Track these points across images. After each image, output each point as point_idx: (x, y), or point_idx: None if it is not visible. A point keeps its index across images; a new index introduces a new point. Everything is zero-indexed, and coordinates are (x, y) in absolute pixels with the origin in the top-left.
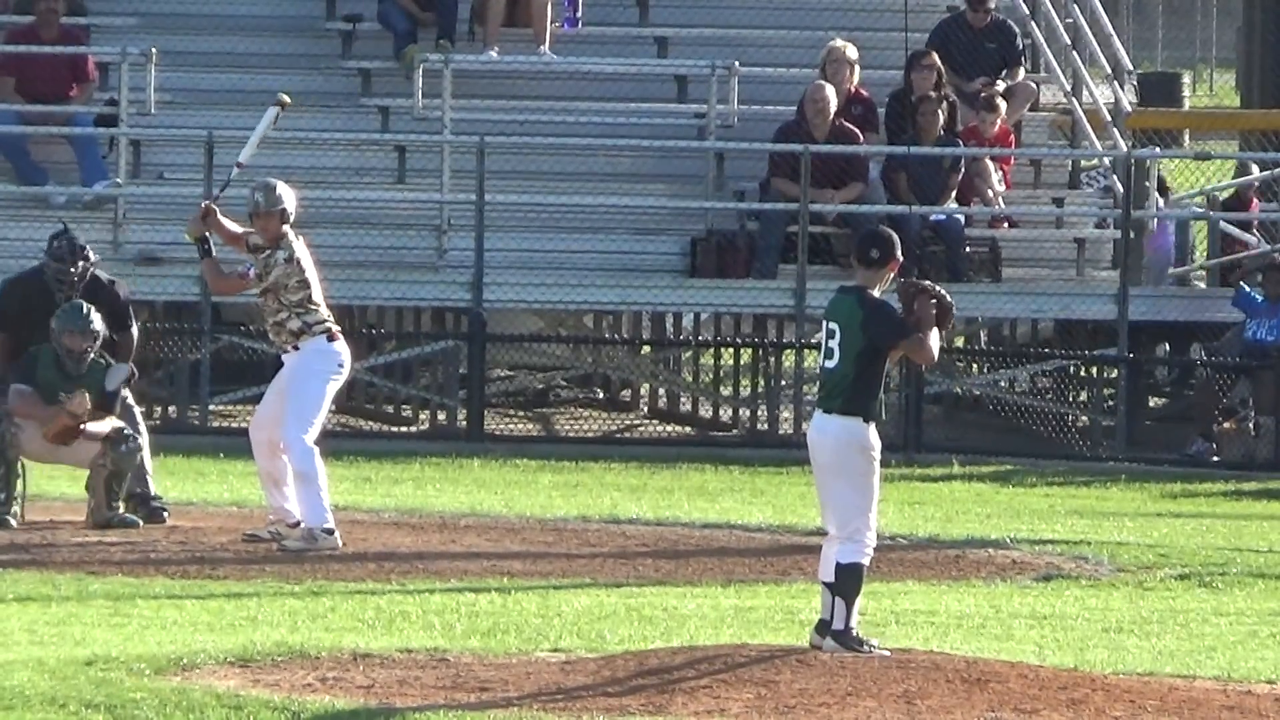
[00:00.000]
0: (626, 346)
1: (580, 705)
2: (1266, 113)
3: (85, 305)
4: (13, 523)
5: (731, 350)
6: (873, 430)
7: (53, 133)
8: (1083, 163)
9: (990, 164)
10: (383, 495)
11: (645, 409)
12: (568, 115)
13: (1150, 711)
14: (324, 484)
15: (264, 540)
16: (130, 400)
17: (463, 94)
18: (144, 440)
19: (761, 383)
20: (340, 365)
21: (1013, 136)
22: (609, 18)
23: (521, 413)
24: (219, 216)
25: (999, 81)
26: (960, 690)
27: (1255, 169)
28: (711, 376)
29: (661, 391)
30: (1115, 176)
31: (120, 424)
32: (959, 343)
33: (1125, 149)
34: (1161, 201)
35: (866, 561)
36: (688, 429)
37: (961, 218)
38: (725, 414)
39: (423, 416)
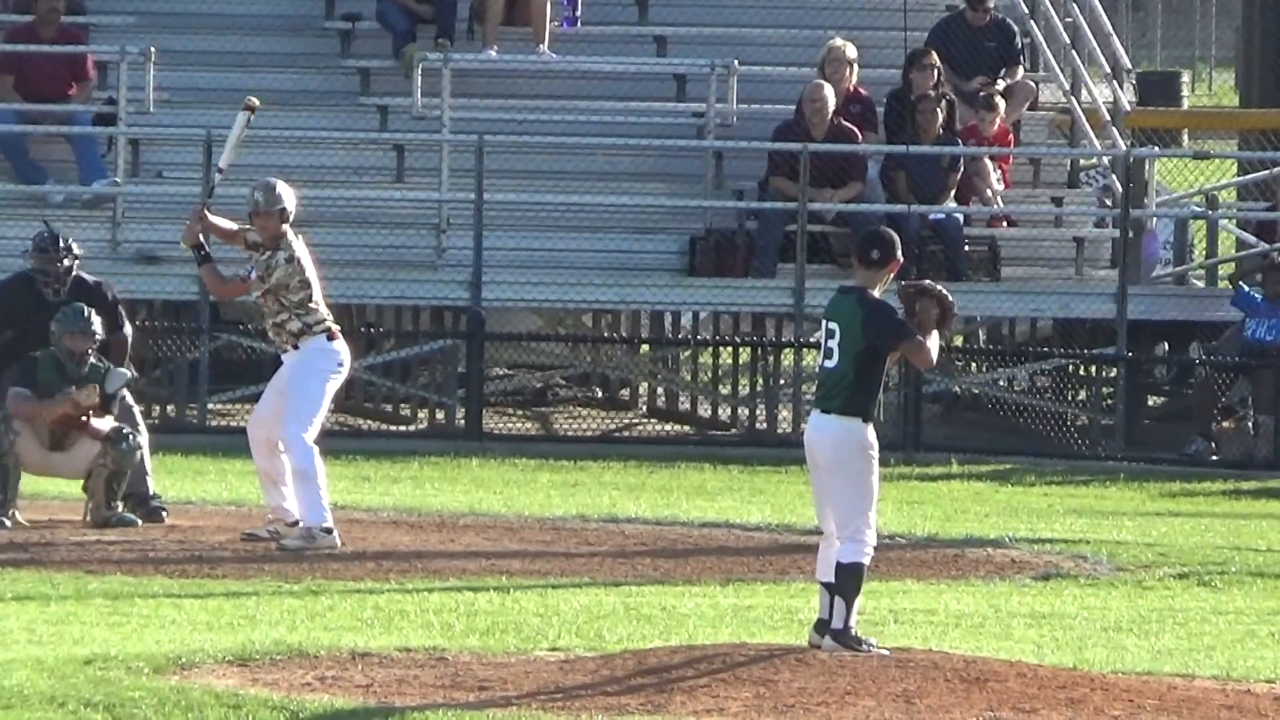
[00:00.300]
0: (625, 345)
1: (579, 704)
2: (1265, 112)
3: (85, 308)
4: (7, 524)
5: (730, 349)
6: (871, 430)
7: (51, 131)
8: (1081, 162)
9: (989, 163)
10: (381, 494)
11: (644, 408)
12: (567, 114)
13: (1149, 710)
14: (323, 483)
15: (263, 539)
16: (130, 400)
17: (462, 93)
18: (144, 439)
19: (760, 382)
20: (340, 364)
21: (1011, 136)
22: (608, 17)
23: (520, 412)
24: (212, 219)
25: (998, 81)
26: (959, 689)
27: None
28: (710, 375)
29: (660, 390)
30: (1114, 176)
31: (119, 424)
32: (958, 342)
33: (1124, 148)
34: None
35: (867, 561)
36: (686, 428)
37: (960, 217)
38: (724, 413)
39: (421, 415)
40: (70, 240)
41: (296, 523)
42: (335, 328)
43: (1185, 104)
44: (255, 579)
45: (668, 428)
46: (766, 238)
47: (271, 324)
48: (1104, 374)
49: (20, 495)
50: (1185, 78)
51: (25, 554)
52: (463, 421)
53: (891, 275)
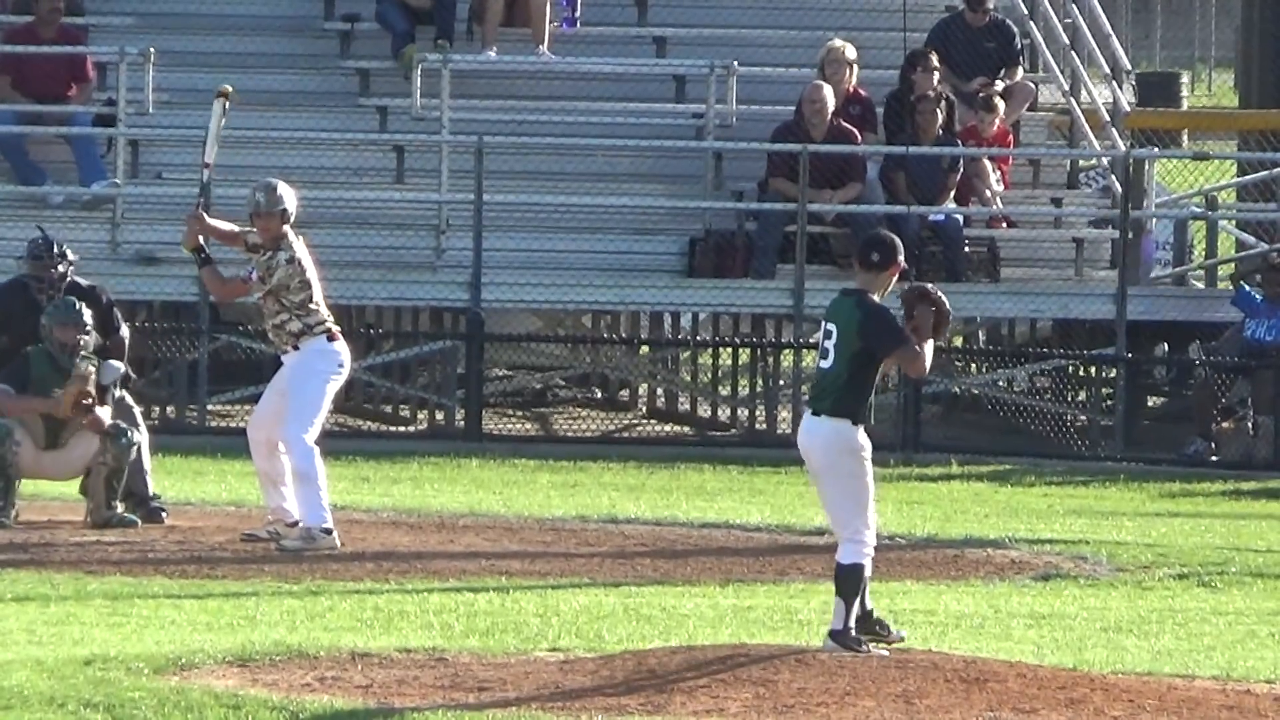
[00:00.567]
0: (625, 346)
1: (579, 705)
2: (1265, 112)
3: (73, 300)
4: (7, 523)
5: (730, 350)
6: (861, 432)
7: (51, 132)
8: (1080, 163)
9: (988, 164)
10: (381, 495)
11: (643, 409)
12: (566, 115)
13: (1149, 711)
14: (323, 484)
15: (262, 540)
16: (129, 400)
17: (461, 94)
18: (143, 439)
19: (760, 383)
20: (340, 365)
21: (1011, 136)
22: (607, 18)
23: (520, 412)
24: (209, 221)
25: (998, 81)
26: (959, 690)
27: None
28: (710, 376)
29: (660, 391)
30: (1114, 176)
31: (116, 421)
32: (957, 342)
33: (1124, 149)
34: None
35: (867, 562)
36: (686, 429)
37: (960, 218)
38: (723, 414)
39: (421, 416)
40: (64, 246)
41: (296, 523)
42: (336, 329)
43: (1185, 105)
44: (255, 580)
45: (667, 428)
46: (766, 239)
47: (272, 325)
48: (1103, 375)
49: (20, 496)
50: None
51: (25, 554)
52: (462, 422)
53: (893, 279)
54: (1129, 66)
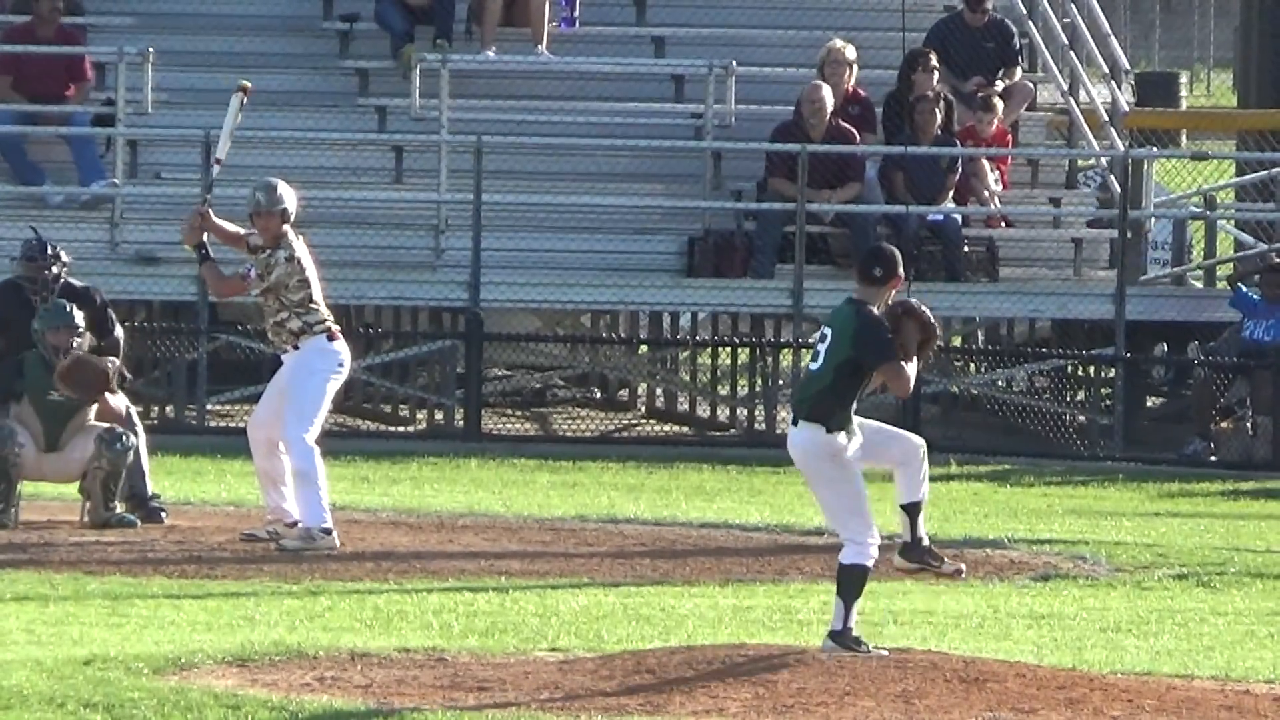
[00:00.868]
0: (624, 346)
1: (578, 705)
2: (1263, 113)
3: (65, 303)
4: (9, 524)
5: (729, 350)
6: (839, 436)
7: (50, 132)
8: (1079, 162)
9: (986, 165)
10: (380, 495)
11: (643, 409)
12: (565, 115)
13: (1148, 711)
14: (323, 484)
15: (262, 540)
16: (126, 401)
17: (460, 94)
18: (141, 440)
19: (759, 382)
20: (340, 364)
21: (1010, 136)
22: (606, 17)
23: (519, 412)
24: (214, 219)
25: (997, 81)
26: (958, 690)
27: None
28: (709, 376)
29: (659, 391)
30: (1112, 176)
31: (113, 425)
32: (956, 342)
33: (1122, 149)
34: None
35: (869, 564)
36: (685, 429)
37: (959, 217)
38: (723, 414)
39: (420, 416)
40: (58, 247)
41: (296, 523)
42: (335, 328)
43: (1183, 104)
44: (254, 580)
45: (666, 428)
46: (765, 238)
47: (272, 323)
48: (1102, 374)
49: (20, 496)
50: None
51: (24, 555)
52: (461, 422)
53: (894, 291)
54: (1128, 66)
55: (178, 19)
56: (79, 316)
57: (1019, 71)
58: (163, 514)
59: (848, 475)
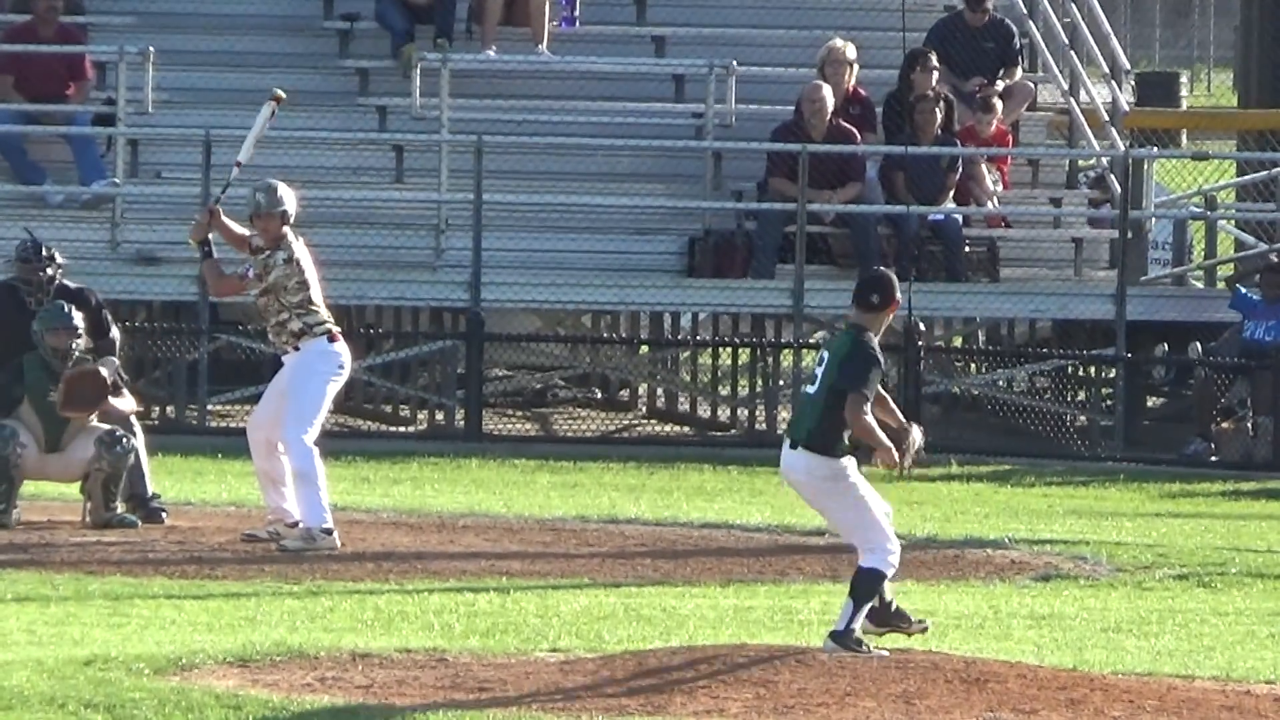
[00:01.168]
0: (624, 346)
1: (579, 705)
2: (1264, 112)
3: (64, 304)
4: (9, 524)
5: (729, 350)
6: (841, 459)
7: (50, 132)
8: (1080, 163)
9: (984, 168)
10: (381, 495)
11: (643, 409)
12: (565, 115)
13: (1149, 711)
14: (323, 484)
15: (262, 540)
16: (132, 403)
17: (460, 93)
18: (139, 441)
19: (760, 383)
20: (341, 366)
21: (1010, 136)
22: (606, 17)
23: (520, 412)
24: (223, 219)
25: (997, 81)
26: (959, 690)
27: None
28: (710, 376)
29: (660, 391)
30: (1113, 176)
31: (113, 428)
32: (957, 342)
33: (1123, 149)
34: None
35: (889, 571)
36: (686, 429)
37: (960, 217)
38: (723, 414)
39: (421, 416)
40: (52, 248)
41: (296, 523)
42: (336, 329)
43: (1184, 104)
44: (255, 580)
45: (667, 429)
46: (765, 238)
47: (272, 324)
48: (1103, 375)
49: (20, 497)
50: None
51: (25, 555)
52: (462, 422)
53: (892, 316)
54: (1128, 66)
55: (178, 18)
56: (79, 318)
57: (1019, 71)
58: (163, 514)
59: (854, 488)
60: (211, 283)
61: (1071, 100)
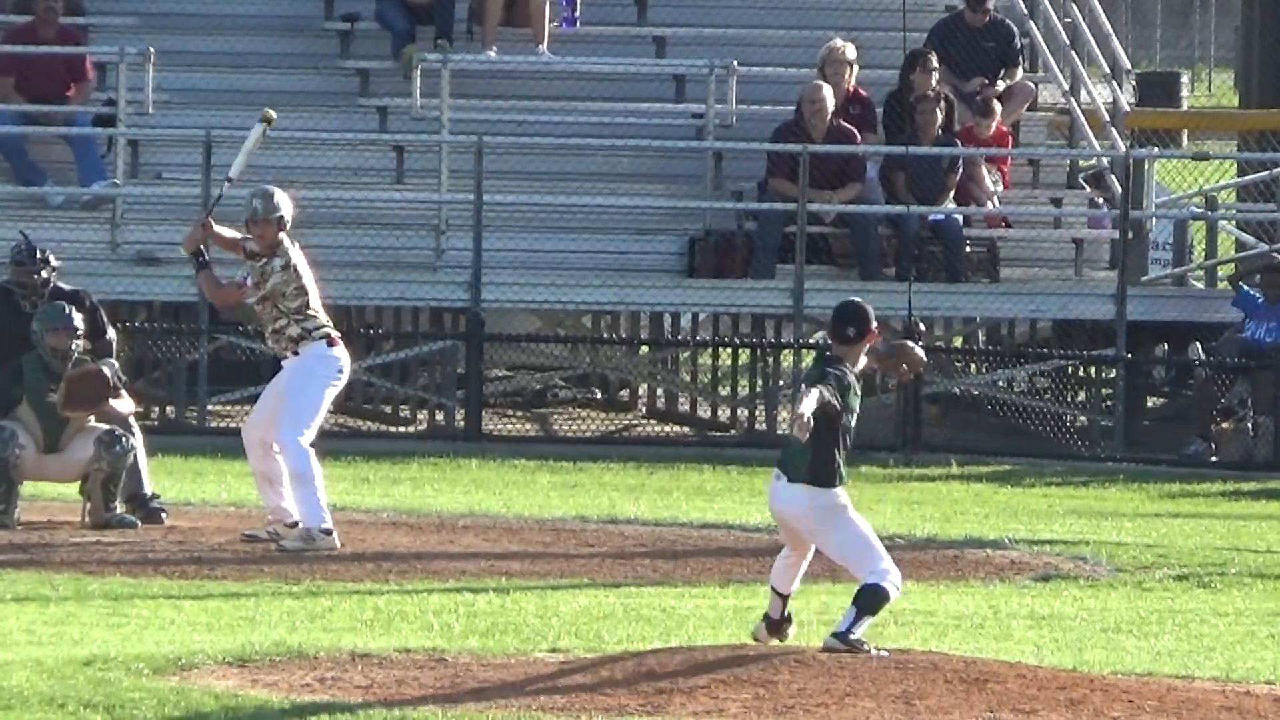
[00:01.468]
0: (624, 346)
1: (578, 705)
2: (1265, 112)
3: (64, 305)
4: (9, 524)
5: (729, 350)
6: (837, 490)
7: (51, 133)
8: (1081, 163)
9: (984, 170)
10: (381, 495)
11: (643, 409)
12: (566, 115)
13: (1149, 712)
14: (320, 484)
15: (262, 540)
16: (132, 404)
17: (461, 94)
18: (138, 441)
19: (760, 383)
20: (340, 371)
21: (1010, 137)
22: (607, 17)
23: (519, 413)
24: (216, 229)
25: (998, 81)
26: (959, 690)
27: None
28: (710, 377)
29: (660, 391)
30: (1113, 176)
31: (112, 428)
32: (957, 342)
33: (1124, 149)
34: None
35: (893, 593)
36: (686, 429)
37: (960, 218)
38: (723, 414)
39: (420, 416)
40: (47, 251)
41: (296, 524)
42: (335, 334)
43: (1185, 104)
44: (255, 580)
45: (667, 429)
46: (766, 239)
47: (271, 330)
48: (1103, 375)
49: (20, 497)
50: (1185, 78)
51: (25, 555)
52: (462, 423)
53: (869, 344)
54: (1129, 66)
55: (179, 19)
56: (78, 318)
57: (1020, 71)
58: (163, 514)
59: (851, 516)
60: (209, 293)
61: (1072, 100)
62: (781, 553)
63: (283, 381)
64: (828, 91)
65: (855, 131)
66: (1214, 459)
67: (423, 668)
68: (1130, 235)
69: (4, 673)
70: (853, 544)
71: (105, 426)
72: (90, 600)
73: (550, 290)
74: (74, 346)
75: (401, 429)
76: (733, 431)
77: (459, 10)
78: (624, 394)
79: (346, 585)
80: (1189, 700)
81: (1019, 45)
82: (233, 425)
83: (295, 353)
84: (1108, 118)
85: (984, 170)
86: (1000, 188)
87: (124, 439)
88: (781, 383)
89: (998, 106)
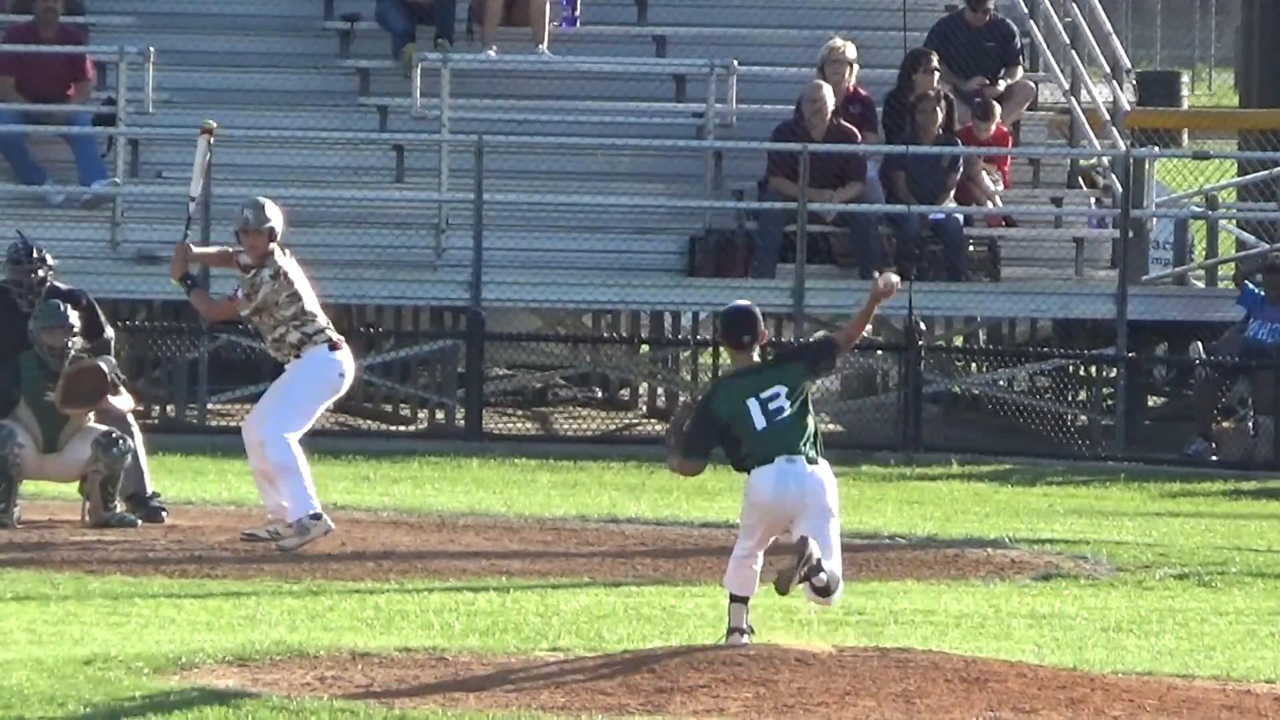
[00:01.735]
0: (625, 346)
1: (579, 705)
2: (1265, 112)
3: (59, 303)
4: (10, 523)
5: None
6: None
7: (51, 132)
8: (1081, 162)
9: (984, 171)
10: (381, 494)
11: (644, 408)
12: (566, 114)
13: (1149, 711)
14: (306, 471)
15: (262, 539)
16: (130, 402)
17: (461, 93)
18: (138, 439)
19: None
20: (340, 375)
21: (1010, 138)
22: (607, 17)
23: (520, 412)
24: (196, 251)
25: (998, 81)
26: (959, 689)
27: None
28: (710, 376)
29: (660, 391)
30: (1114, 176)
31: (109, 429)
32: (958, 342)
33: (1124, 148)
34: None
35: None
36: None
37: (960, 217)
38: None
39: (421, 415)
40: (43, 250)
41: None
42: (337, 338)
43: (1185, 104)
44: (255, 579)
45: (668, 428)
46: (766, 238)
47: (272, 339)
48: (1104, 374)
49: (20, 496)
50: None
51: (25, 554)
52: (462, 422)
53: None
54: (1129, 65)
55: (179, 18)
56: (74, 316)
57: (1020, 71)
58: (163, 513)
59: None
60: (203, 311)
61: (1072, 100)
62: (741, 553)
63: (281, 381)
64: (828, 91)
65: (855, 131)
66: (1215, 458)
67: (423, 667)
68: (1131, 235)
69: (4, 672)
70: (837, 531)
71: (103, 428)
72: (91, 599)
73: (551, 289)
74: (70, 344)
75: (402, 428)
76: None
77: (459, 10)
78: (624, 393)
79: (347, 584)
80: (1189, 699)
81: (1019, 45)
82: (233, 424)
83: (298, 356)
84: (1108, 117)
85: (983, 172)
86: (1000, 187)
87: (121, 440)
88: None
89: (997, 109)
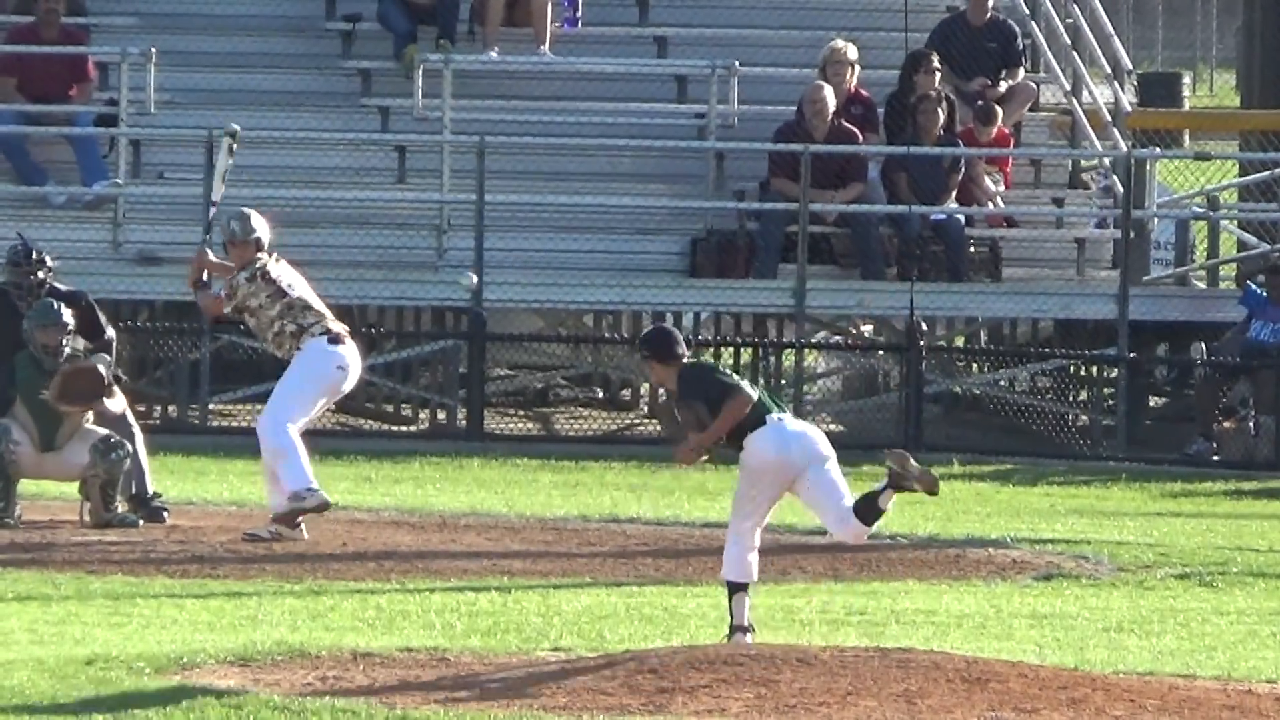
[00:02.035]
0: (626, 346)
1: (580, 705)
2: (1266, 113)
3: (53, 301)
4: (11, 522)
5: (731, 350)
6: None
7: (53, 133)
8: (1083, 163)
9: (986, 172)
10: (383, 494)
11: (645, 408)
12: (568, 115)
13: (1150, 711)
14: (303, 452)
15: (264, 540)
16: (124, 403)
17: (462, 94)
18: (138, 440)
19: (761, 382)
20: (340, 368)
21: (1011, 139)
22: (609, 18)
23: (521, 412)
24: (211, 258)
25: (999, 82)
26: (960, 689)
27: None
28: None
29: (661, 391)
30: (1115, 176)
31: (109, 433)
32: (959, 342)
33: (1125, 149)
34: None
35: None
36: None
37: (962, 218)
38: None
39: (423, 416)
40: (43, 251)
41: (298, 524)
42: (339, 330)
43: (1186, 105)
44: (257, 579)
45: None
46: (768, 239)
47: (271, 339)
48: (1105, 375)
49: (20, 496)
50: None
51: (26, 554)
52: (464, 422)
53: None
54: (1130, 66)
55: (180, 19)
56: (68, 314)
57: (1021, 72)
58: (165, 513)
59: None
60: (202, 306)
61: (1074, 100)
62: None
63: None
64: (829, 92)
65: (857, 132)
66: (1216, 458)
67: (425, 667)
68: (1132, 235)
69: (6, 672)
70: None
71: (103, 431)
72: (92, 599)
73: (552, 290)
74: (65, 343)
75: (404, 428)
76: None
77: (461, 10)
78: (626, 393)
79: (349, 584)
80: (1191, 699)
81: (1020, 45)
82: (235, 424)
83: (299, 348)
84: (1109, 118)
85: (984, 173)
86: (1001, 188)
87: (120, 445)
88: (784, 382)
89: (999, 113)
